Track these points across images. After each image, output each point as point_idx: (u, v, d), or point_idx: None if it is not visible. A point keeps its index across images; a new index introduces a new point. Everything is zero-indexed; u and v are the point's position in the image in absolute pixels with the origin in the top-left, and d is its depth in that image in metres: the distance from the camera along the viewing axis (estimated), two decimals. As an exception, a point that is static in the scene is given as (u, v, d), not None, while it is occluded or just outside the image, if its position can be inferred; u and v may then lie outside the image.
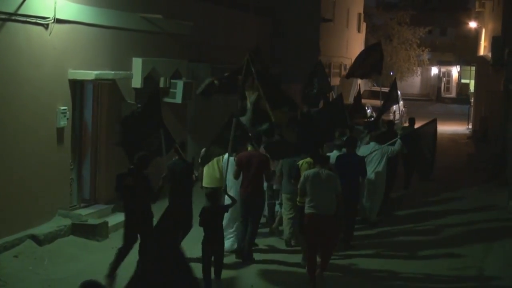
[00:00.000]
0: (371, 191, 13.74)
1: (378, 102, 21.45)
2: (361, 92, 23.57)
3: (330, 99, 16.61)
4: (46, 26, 11.37)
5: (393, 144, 14.00)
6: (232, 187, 11.20)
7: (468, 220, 14.66)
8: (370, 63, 17.57)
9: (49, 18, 11.36)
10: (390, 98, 18.09)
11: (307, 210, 9.82)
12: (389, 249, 12.31)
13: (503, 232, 13.65)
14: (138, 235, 9.77)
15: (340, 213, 10.32)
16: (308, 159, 11.34)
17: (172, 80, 15.47)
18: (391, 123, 17.11)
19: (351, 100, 26.14)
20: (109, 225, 12.26)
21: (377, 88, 28.92)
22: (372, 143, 13.91)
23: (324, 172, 10.03)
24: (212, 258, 9.48)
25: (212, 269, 9.47)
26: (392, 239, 13.09)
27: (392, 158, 14.34)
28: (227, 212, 10.22)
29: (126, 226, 9.90)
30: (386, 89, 19.85)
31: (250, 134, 11.27)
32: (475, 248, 12.49)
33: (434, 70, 60.54)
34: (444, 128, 31.52)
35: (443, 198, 16.98)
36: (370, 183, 13.61)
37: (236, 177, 11.11)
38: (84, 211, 12.59)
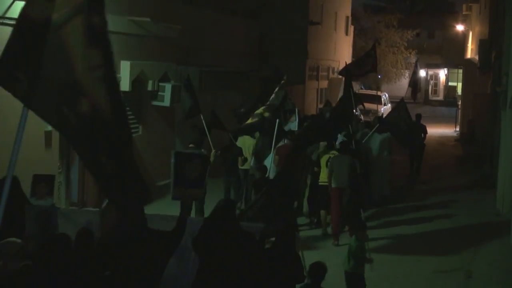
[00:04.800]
0: (378, 171, 15.85)
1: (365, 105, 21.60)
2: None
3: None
4: (33, 29, 11.32)
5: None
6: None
7: (456, 223, 14.72)
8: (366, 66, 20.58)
9: (36, 21, 11.31)
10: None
11: (333, 185, 12.74)
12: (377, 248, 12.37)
13: (490, 234, 13.73)
14: None
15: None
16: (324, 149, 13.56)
17: (160, 83, 15.48)
18: (380, 118, 18.69)
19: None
20: (98, 228, 12.21)
21: (372, 92, 28.86)
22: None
23: (344, 156, 12.93)
24: None
25: None
26: (379, 237, 13.17)
27: None
28: None
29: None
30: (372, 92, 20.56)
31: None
32: (462, 250, 12.57)
33: (422, 73, 60.71)
34: (432, 130, 31.59)
35: (430, 201, 17.00)
36: (376, 164, 15.81)
37: (277, 164, 13.53)
38: (72, 215, 12.52)
